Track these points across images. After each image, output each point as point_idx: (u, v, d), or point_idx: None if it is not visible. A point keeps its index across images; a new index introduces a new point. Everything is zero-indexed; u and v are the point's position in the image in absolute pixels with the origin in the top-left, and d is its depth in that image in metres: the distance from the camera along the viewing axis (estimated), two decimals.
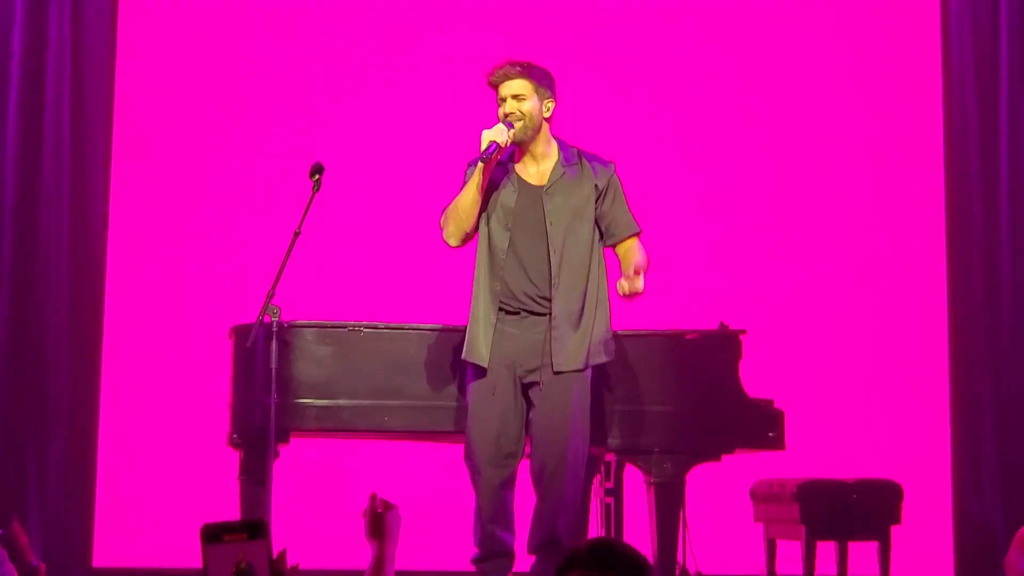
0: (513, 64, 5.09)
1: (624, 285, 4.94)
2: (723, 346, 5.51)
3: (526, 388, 5.02)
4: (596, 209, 5.12)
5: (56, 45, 7.37)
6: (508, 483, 5.02)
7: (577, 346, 5.00)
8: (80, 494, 7.23)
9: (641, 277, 4.94)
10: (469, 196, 5.04)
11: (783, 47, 7.86)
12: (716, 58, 7.82)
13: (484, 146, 4.96)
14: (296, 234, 5.14)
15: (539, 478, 4.99)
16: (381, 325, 5.45)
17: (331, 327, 5.42)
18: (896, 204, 7.80)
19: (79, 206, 7.37)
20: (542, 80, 5.11)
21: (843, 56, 7.87)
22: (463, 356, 5.09)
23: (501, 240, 5.04)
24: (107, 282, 7.42)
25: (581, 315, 5.01)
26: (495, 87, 5.10)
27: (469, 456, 5.03)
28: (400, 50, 7.71)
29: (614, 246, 5.16)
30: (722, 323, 5.58)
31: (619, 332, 5.37)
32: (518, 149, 5.14)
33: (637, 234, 5.18)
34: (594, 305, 5.05)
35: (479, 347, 5.02)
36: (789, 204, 7.79)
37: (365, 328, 5.43)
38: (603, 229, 5.14)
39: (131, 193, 7.56)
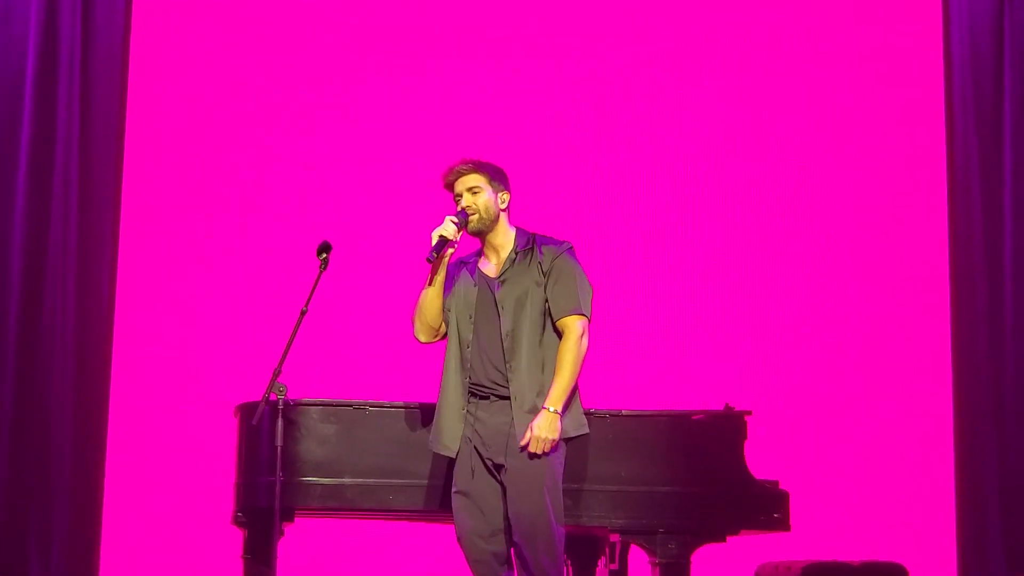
0: (465, 161, 5.21)
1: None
2: (728, 427, 5.51)
3: (497, 469, 5.03)
4: (544, 290, 5.13)
5: (64, 119, 7.43)
6: (501, 558, 5.00)
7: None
8: (84, 574, 7.19)
9: (538, 440, 4.91)
10: (428, 294, 5.17)
11: (780, 114, 7.93)
12: (720, 137, 7.89)
13: (434, 243, 5.05)
14: (303, 312, 5.16)
15: (519, 559, 4.99)
16: (386, 404, 5.45)
17: (336, 405, 5.42)
18: (900, 288, 7.82)
19: (85, 280, 7.39)
20: (494, 174, 5.21)
21: (842, 128, 7.94)
22: (430, 446, 5.12)
23: (466, 333, 5.13)
24: (113, 359, 7.43)
25: (539, 394, 5.01)
26: (450, 187, 5.21)
27: (459, 538, 5.05)
28: (410, 132, 7.78)
29: (554, 324, 5.14)
30: (727, 404, 5.58)
31: (625, 412, 5.42)
32: (479, 242, 5.23)
33: (577, 314, 5.08)
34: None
35: (445, 439, 5.07)
36: (793, 287, 7.81)
37: (371, 407, 5.43)
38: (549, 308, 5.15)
39: (138, 270, 7.60)
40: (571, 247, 5.21)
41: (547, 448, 4.92)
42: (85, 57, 7.52)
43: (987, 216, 7.70)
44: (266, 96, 7.80)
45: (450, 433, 5.07)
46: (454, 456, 5.06)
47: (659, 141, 7.88)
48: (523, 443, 4.92)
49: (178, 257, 7.64)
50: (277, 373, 5.11)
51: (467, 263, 5.26)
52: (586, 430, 5.10)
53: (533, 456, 4.93)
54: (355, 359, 7.53)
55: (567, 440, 5.04)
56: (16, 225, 7.33)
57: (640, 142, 7.88)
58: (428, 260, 5.07)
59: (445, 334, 5.22)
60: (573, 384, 5.03)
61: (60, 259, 7.34)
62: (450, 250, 5.12)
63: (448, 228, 5.08)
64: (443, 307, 5.18)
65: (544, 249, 5.18)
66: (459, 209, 5.15)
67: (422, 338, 5.23)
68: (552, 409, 4.95)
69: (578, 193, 7.78)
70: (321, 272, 5.23)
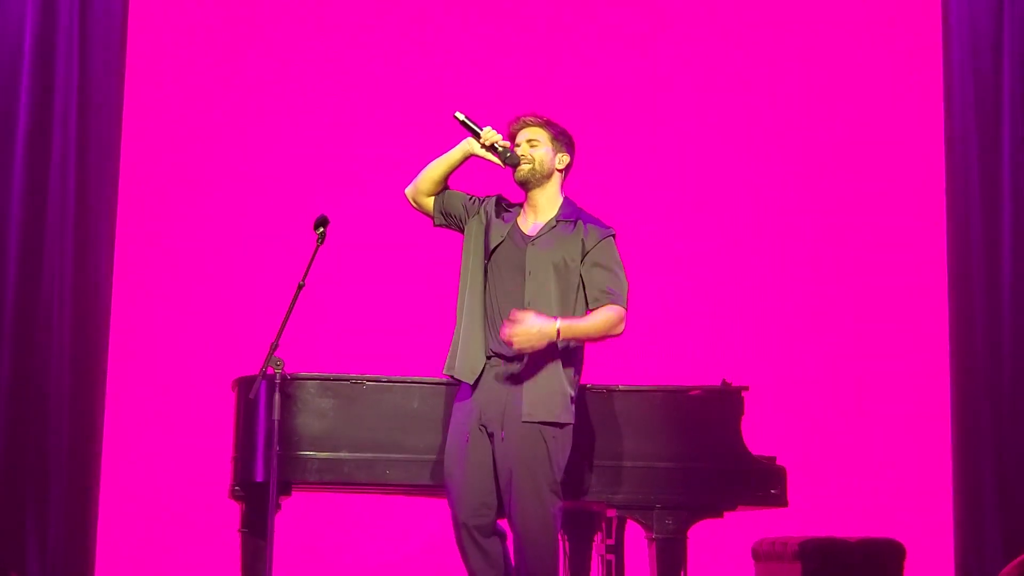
0: (533, 114, 5.18)
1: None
2: (726, 402, 5.51)
3: (490, 437, 4.96)
4: (581, 269, 5.05)
5: (62, 103, 7.41)
6: (487, 529, 4.94)
7: (545, 398, 4.91)
8: (80, 549, 7.18)
9: (523, 333, 4.81)
10: (440, 161, 5.15)
11: (784, 112, 7.93)
12: (719, 120, 7.89)
13: (473, 123, 5.05)
14: (300, 286, 5.15)
15: (512, 528, 4.94)
16: (384, 378, 5.44)
17: (334, 380, 5.41)
18: (898, 263, 7.82)
19: (82, 257, 7.37)
20: (559, 134, 5.16)
21: (840, 113, 7.93)
22: (450, 372, 5.05)
23: (483, 276, 5.06)
24: (111, 333, 7.42)
25: (552, 369, 4.93)
26: (513, 136, 5.15)
27: (450, 504, 5.00)
28: (409, 107, 7.78)
29: (588, 309, 5.06)
30: (724, 380, 5.57)
31: (622, 387, 5.40)
32: (524, 197, 5.15)
33: (612, 304, 5.01)
34: (569, 362, 4.98)
35: (467, 364, 4.99)
36: (791, 263, 7.81)
37: (368, 381, 5.42)
38: (584, 291, 5.08)
39: (136, 245, 7.59)
40: (615, 233, 5.12)
41: (522, 346, 4.80)
42: (83, 36, 7.48)
43: (984, 189, 7.70)
44: (263, 72, 7.78)
45: (474, 361, 4.98)
46: (471, 383, 4.98)
47: (656, 128, 7.87)
48: (503, 331, 4.82)
49: (176, 232, 7.64)
50: (274, 347, 5.10)
51: (509, 210, 5.18)
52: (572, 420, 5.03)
53: (530, 430, 4.86)
54: (352, 333, 7.53)
55: (562, 426, 4.97)
56: (14, 201, 7.30)
57: (636, 130, 7.88)
58: (455, 115, 5.08)
59: (420, 208, 5.20)
60: (589, 336, 4.95)
61: (58, 234, 7.31)
62: (470, 141, 5.06)
63: (490, 134, 5.06)
64: (441, 183, 5.15)
65: (590, 228, 5.08)
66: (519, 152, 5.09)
67: (408, 189, 5.21)
68: (558, 326, 4.86)
69: (575, 174, 7.76)
70: (318, 246, 5.22)
